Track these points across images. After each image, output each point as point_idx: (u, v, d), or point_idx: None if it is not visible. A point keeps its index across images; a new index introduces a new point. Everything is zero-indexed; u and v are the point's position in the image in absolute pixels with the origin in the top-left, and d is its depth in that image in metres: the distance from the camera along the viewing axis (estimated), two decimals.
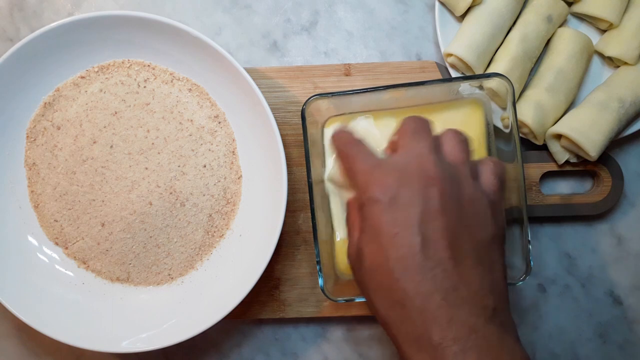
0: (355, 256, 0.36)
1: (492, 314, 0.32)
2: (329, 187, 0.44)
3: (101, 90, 0.48)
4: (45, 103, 0.48)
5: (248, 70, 0.45)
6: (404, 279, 0.32)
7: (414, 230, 0.33)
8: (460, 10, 0.49)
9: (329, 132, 0.47)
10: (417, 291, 0.32)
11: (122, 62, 0.48)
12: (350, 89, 0.45)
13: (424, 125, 0.38)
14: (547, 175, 0.51)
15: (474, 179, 0.36)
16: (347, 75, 0.51)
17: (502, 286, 0.34)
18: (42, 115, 0.48)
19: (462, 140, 0.38)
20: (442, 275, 0.32)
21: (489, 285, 0.33)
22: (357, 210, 0.37)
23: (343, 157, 0.39)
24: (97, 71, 0.48)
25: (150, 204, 0.48)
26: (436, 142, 0.37)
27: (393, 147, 0.39)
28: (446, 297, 0.32)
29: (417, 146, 0.36)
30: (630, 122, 0.48)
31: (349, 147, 0.39)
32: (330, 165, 0.44)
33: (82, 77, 0.48)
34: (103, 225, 0.48)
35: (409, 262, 0.32)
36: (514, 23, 0.50)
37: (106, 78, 0.48)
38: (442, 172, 0.35)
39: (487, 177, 0.37)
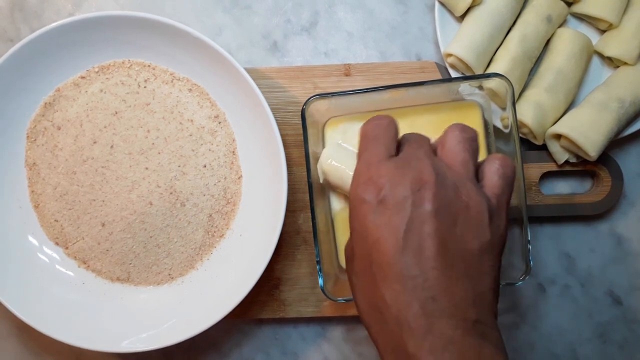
0: (348, 255, 0.36)
1: (472, 326, 0.30)
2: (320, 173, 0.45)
3: (101, 91, 0.48)
4: (45, 103, 0.48)
5: (248, 71, 0.45)
6: (384, 286, 0.31)
7: (398, 236, 0.31)
8: (460, 11, 0.49)
9: (330, 131, 0.47)
10: (395, 300, 0.30)
11: (123, 62, 0.48)
12: (350, 89, 0.45)
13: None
14: (546, 175, 0.51)
15: (476, 180, 0.34)
16: (347, 76, 0.51)
17: (488, 297, 0.32)
18: (43, 116, 0.48)
19: (466, 139, 0.35)
20: (423, 285, 0.30)
21: (473, 297, 0.31)
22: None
23: (359, 147, 0.37)
24: (98, 71, 0.48)
25: (151, 204, 0.48)
26: (438, 142, 0.36)
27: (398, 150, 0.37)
28: (424, 307, 0.30)
29: (416, 148, 0.35)
30: (629, 122, 0.48)
31: (365, 139, 0.36)
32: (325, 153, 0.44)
33: (83, 77, 0.48)
34: (103, 225, 0.48)
35: (390, 269, 0.31)
36: (514, 23, 0.50)
37: (106, 78, 0.48)
38: (437, 174, 0.32)
39: (491, 178, 0.34)
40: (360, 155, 0.36)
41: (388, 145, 0.36)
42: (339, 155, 0.44)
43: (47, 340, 0.46)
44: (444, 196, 0.32)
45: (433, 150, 0.36)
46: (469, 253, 0.32)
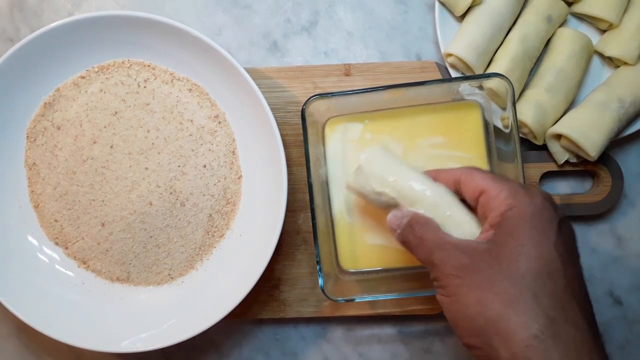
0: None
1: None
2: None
3: (101, 90, 0.48)
4: (45, 103, 0.48)
5: (248, 71, 0.45)
6: None
7: None
8: (460, 10, 0.49)
9: (330, 131, 0.47)
10: None
11: (122, 62, 0.48)
12: (350, 89, 0.45)
13: None
14: (547, 175, 0.51)
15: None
16: (347, 76, 0.51)
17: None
18: (42, 115, 0.48)
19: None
20: None
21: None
22: None
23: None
24: (97, 71, 0.48)
25: (151, 204, 0.48)
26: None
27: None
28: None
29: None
30: (630, 122, 0.48)
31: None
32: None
33: (82, 77, 0.48)
34: (103, 225, 0.48)
35: None
36: (514, 23, 0.50)
37: (106, 78, 0.48)
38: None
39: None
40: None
41: None
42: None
43: (47, 340, 0.46)
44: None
45: None
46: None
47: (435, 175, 0.39)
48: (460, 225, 0.37)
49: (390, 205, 0.39)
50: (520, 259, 0.31)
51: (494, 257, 0.32)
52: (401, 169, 0.39)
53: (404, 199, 0.38)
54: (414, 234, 0.36)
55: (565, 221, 0.34)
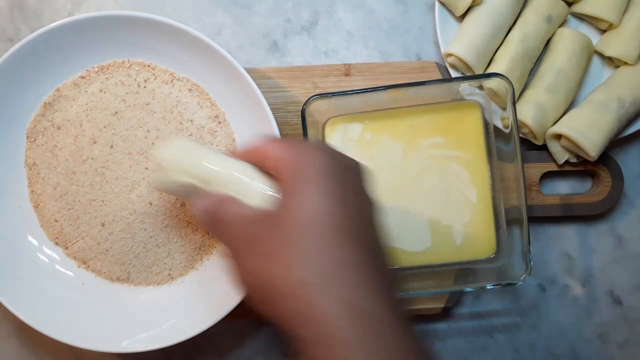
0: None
1: None
2: None
3: (101, 90, 0.48)
4: (45, 103, 0.48)
5: (248, 71, 0.45)
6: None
7: None
8: (460, 10, 0.49)
9: (330, 131, 0.47)
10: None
11: (122, 62, 0.48)
12: (350, 89, 0.46)
13: None
14: (547, 175, 0.51)
15: None
16: (347, 76, 0.51)
17: None
18: (42, 116, 0.48)
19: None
20: None
21: None
22: None
23: None
24: (97, 71, 0.48)
25: (151, 204, 0.48)
26: None
27: None
28: None
29: None
30: (630, 122, 0.49)
31: None
32: None
33: (83, 77, 0.48)
34: (103, 225, 0.48)
35: None
36: (514, 23, 0.50)
37: (106, 78, 0.48)
38: None
39: None
40: None
41: None
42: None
43: (47, 340, 0.46)
44: None
45: None
46: None
47: (239, 153, 0.38)
48: (260, 196, 0.35)
49: (196, 194, 0.38)
50: (290, 215, 0.31)
51: (275, 221, 0.32)
52: (196, 153, 0.38)
53: (202, 183, 0.37)
54: (209, 215, 0.36)
55: (351, 167, 0.34)
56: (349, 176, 0.33)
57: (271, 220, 0.32)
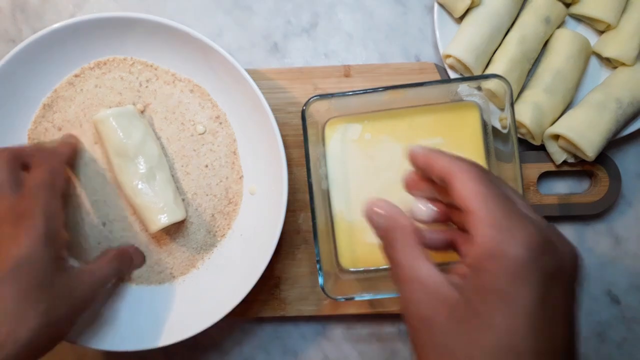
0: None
1: None
2: None
3: (96, 86, 0.48)
4: (44, 104, 0.48)
5: (249, 72, 0.45)
6: None
7: None
8: (459, 12, 0.49)
9: (330, 132, 0.48)
10: None
11: (124, 59, 0.48)
12: (350, 90, 0.46)
13: None
14: (544, 176, 0.51)
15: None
16: (346, 77, 0.51)
17: None
18: (43, 117, 0.48)
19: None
20: None
21: None
22: None
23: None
24: (93, 67, 0.48)
25: None
26: None
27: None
28: None
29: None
30: (627, 122, 0.49)
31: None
32: None
33: (77, 76, 0.48)
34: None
35: None
36: (512, 24, 0.50)
37: (102, 73, 0.48)
38: None
39: None
40: None
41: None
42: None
43: None
44: None
45: None
46: None
47: (427, 160, 0.33)
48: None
49: None
50: (483, 332, 0.27)
51: (458, 317, 0.28)
52: None
53: None
54: (390, 249, 0.32)
55: (558, 277, 0.27)
56: (557, 285, 0.27)
57: (453, 311, 0.28)
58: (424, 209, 0.35)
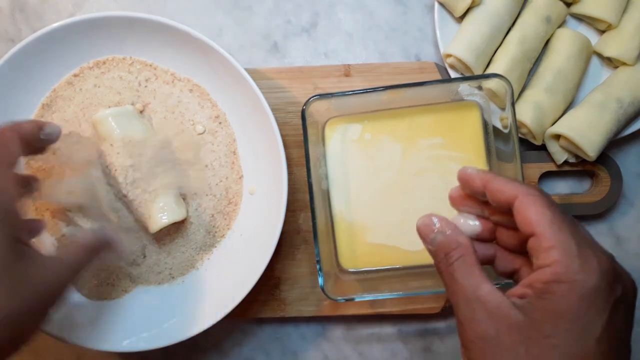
0: None
1: None
2: None
3: (95, 85, 0.48)
4: (43, 104, 0.48)
5: (249, 71, 0.45)
6: None
7: None
8: (459, 11, 0.49)
9: (330, 131, 0.47)
10: None
11: (123, 59, 0.48)
12: (349, 89, 0.46)
13: None
14: (545, 175, 0.51)
15: None
16: (346, 76, 0.51)
17: None
18: (42, 117, 0.48)
19: None
20: None
21: None
22: None
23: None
24: (92, 67, 0.48)
25: None
26: None
27: None
28: None
29: None
30: (628, 122, 0.49)
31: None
32: None
33: (76, 75, 0.48)
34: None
35: None
36: (513, 24, 0.50)
37: (101, 72, 0.48)
38: None
39: None
40: None
41: None
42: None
43: (47, 340, 0.46)
44: None
45: None
46: None
47: (485, 183, 0.33)
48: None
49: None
50: (550, 354, 0.28)
51: (523, 337, 0.28)
52: None
53: None
54: (448, 266, 0.32)
55: (622, 303, 0.29)
56: (621, 311, 0.29)
57: (517, 332, 0.29)
58: (471, 224, 0.35)
